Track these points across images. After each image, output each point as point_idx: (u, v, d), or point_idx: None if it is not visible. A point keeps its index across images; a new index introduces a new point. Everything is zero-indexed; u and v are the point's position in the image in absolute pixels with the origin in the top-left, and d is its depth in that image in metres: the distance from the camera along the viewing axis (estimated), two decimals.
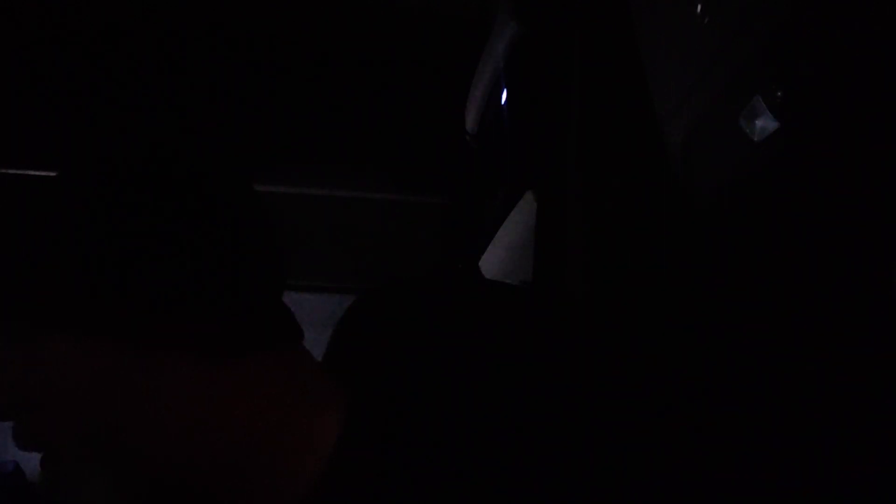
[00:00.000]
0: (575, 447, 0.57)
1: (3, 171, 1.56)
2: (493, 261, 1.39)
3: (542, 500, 0.51)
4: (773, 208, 0.76)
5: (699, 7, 0.78)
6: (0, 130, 1.57)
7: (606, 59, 0.96)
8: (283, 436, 0.52)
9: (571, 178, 0.98)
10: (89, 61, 1.52)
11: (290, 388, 0.53)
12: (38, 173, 1.58)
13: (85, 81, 1.54)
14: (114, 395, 0.50)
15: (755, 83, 0.71)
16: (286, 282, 0.57)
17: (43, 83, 1.53)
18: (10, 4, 1.41)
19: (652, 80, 0.90)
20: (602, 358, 0.70)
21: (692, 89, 0.81)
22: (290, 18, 1.52)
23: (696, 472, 0.58)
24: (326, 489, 0.51)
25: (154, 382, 0.50)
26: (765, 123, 0.70)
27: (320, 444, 0.52)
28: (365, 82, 1.64)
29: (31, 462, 1.81)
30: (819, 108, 0.68)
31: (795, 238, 0.74)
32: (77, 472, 0.52)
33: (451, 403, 0.54)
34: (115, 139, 0.55)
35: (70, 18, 1.45)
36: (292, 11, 1.51)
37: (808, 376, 0.72)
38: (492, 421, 0.54)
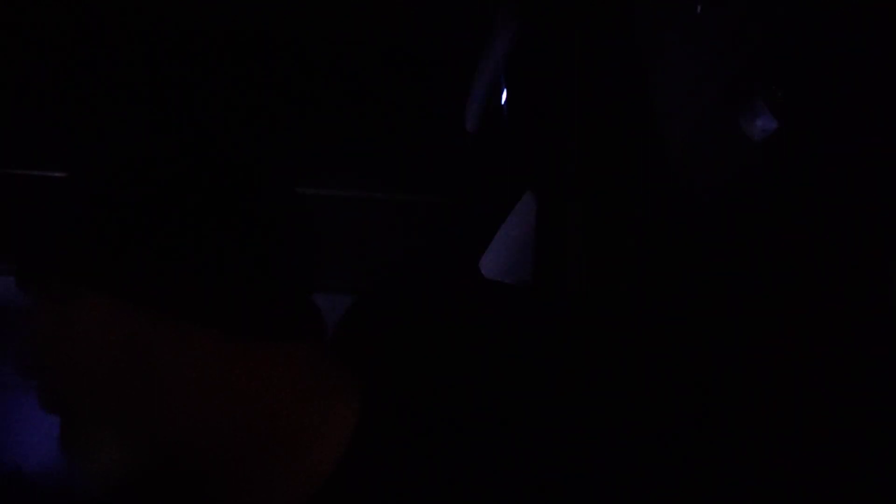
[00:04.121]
0: (576, 446, 0.58)
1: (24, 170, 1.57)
2: (493, 261, 1.39)
3: (546, 494, 0.51)
4: (773, 208, 0.76)
5: (699, 7, 0.78)
6: (25, 129, 1.57)
7: (607, 58, 0.96)
8: (299, 422, 0.53)
9: (571, 178, 0.98)
10: (91, 63, 1.52)
11: (310, 377, 0.54)
12: (53, 174, 1.58)
13: (85, 83, 1.54)
14: (138, 360, 0.51)
15: (755, 83, 0.71)
16: (316, 281, 0.58)
17: (59, 82, 1.53)
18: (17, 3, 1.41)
19: (652, 80, 0.90)
20: (602, 357, 0.70)
21: (692, 89, 0.81)
22: (288, 18, 1.52)
23: (699, 472, 0.58)
24: (343, 478, 0.52)
25: (177, 354, 0.51)
26: (765, 123, 0.70)
27: (336, 433, 0.53)
28: (364, 82, 1.64)
29: (31, 463, 1.81)
30: (819, 108, 0.68)
31: (795, 238, 0.74)
32: (92, 436, 0.52)
33: (456, 399, 0.55)
34: (131, 133, 0.56)
35: (78, 17, 1.45)
36: (291, 10, 1.51)
37: (808, 376, 0.72)
38: (495, 417, 0.54)
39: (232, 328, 0.51)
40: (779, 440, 0.71)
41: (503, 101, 1.32)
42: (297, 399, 0.53)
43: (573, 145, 0.99)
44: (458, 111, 1.54)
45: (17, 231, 0.54)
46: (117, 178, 0.52)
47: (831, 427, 0.69)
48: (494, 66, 1.30)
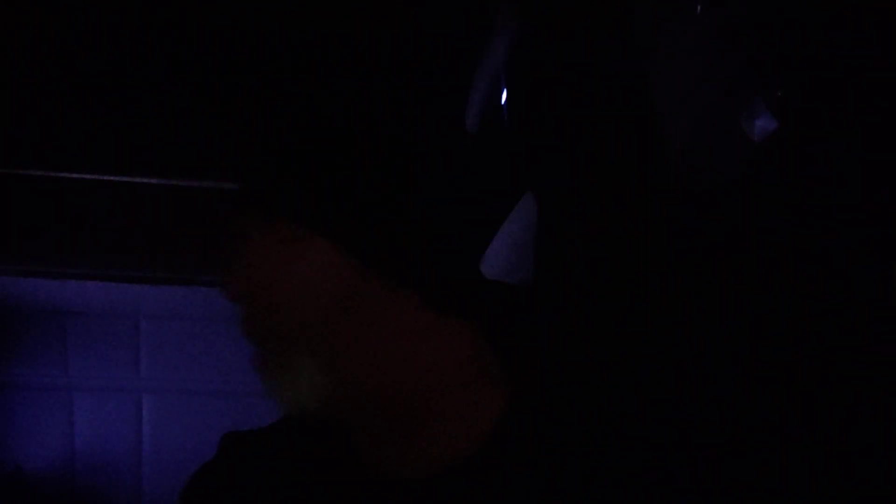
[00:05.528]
0: (573, 445, 0.58)
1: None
2: (493, 261, 1.39)
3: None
4: (774, 208, 0.76)
5: (699, 7, 0.78)
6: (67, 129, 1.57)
7: (607, 58, 0.96)
8: (465, 390, 0.59)
9: (571, 178, 0.98)
10: (91, 62, 1.52)
11: (474, 355, 0.60)
12: (54, 174, 1.58)
13: (85, 82, 1.54)
14: (346, 306, 0.57)
15: (755, 83, 0.71)
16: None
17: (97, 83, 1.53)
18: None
19: (652, 80, 0.90)
20: (602, 357, 0.70)
21: (692, 89, 0.81)
22: (288, 17, 1.52)
23: (703, 471, 0.59)
24: (491, 449, 0.58)
25: (380, 309, 0.57)
26: (765, 123, 0.70)
27: (489, 410, 0.59)
28: (364, 81, 1.64)
29: (31, 462, 1.81)
30: (819, 108, 0.68)
31: (796, 238, 0.74)
32: (293, 365, 0.58)
33: (578, 394, 0.61)
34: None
35: (78, 16, 1.45)
36: (291, 10, 1.51)
37: (808, 375, 0.72)
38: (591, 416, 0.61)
39: (430, 297, 0.57)
40: (779, 439, 0.71)
41: (503, 101, 1.32)
42: (462, 370, 0.59)
43: (573, 145, 0.99)
44: (458, 111, 1.54)
45: (253, 165, 0.60)
46: (363, 139, 0.58)
47: (832, 426, 0.69)
48: (494, 66, 1.30)
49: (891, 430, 0.66)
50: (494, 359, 0.62)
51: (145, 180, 1.64)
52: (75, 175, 1.62)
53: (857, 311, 0.69)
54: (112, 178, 1.63)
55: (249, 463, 0.66)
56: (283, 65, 0.63)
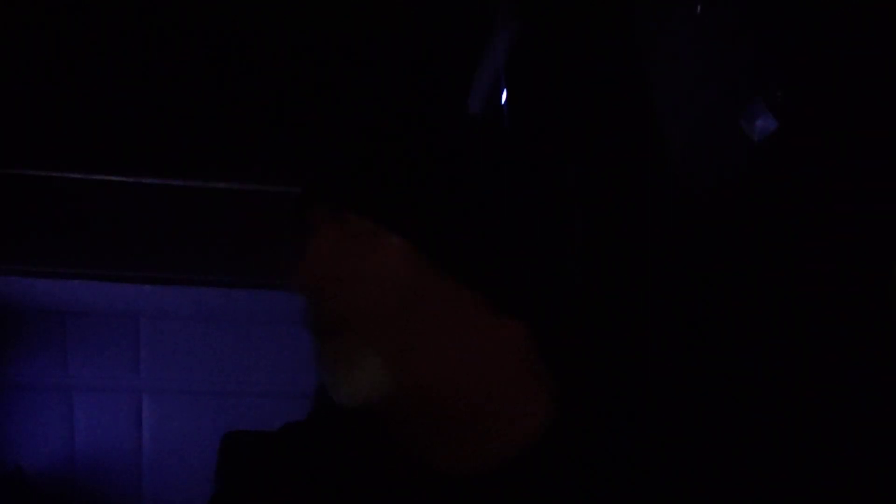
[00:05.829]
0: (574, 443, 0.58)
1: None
2: None
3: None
4: (773, 208, 0.76)
5: (699, 7, 0.78)
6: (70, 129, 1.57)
7: (607, 58, 0.96)
8: (517, 391, 0.60)
9: (572, 178, 0.98)
10: (91, 62, 1.52)
11: (527, 357, 0.62)
12: (55, 174, 1.58)
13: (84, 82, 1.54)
14: (413, 304, 0.58)
15: (755, 83, 0.71)
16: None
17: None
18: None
19: (652, 80, 0.90)
20: (601, 357, 0.70)
21: (692, 89, 0.81)
22: (288, 17, 1.52)
23: (703, 468, 0.59)
24: (540, 449, 0.59)
25: (447, 307, 0.58)
26: (765, 123, 0.70)
27: (538, 410, 0.61)
28: (365, 82, 1.64)
29: (31, 462, 1.81)
30: (819, 108, 0.68)
31: (795, 238, 0.74)
32: (354, 357, 0.58)
33: (619, 398, 0.63)
34: None
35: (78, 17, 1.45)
36: (292, 10, 1.51)
37: (808, 374, 0.72)
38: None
39: (495, 298, 0.58)
40: (778, 438, 0.71)
41: (503, 101, 1.32)
42: (515, 370, 0.60)
43: (573, 145, 0.99)
44: (459, 111, 1.54)
45: (326, 161, 0.60)
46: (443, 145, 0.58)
47: (831, 426, 0.69)
48: (494, 66, 1.30)
49: (890, 431, 0.66)
50: (542, 360, 0.63)
51: (145, 180, 1.64)
52: (75, 175, 1.62)
53: (857, 312, 0.69)
54: (112, 178, 1.63)
55: (292, 461, 0.66)
56: (342, 66, 0.64)
